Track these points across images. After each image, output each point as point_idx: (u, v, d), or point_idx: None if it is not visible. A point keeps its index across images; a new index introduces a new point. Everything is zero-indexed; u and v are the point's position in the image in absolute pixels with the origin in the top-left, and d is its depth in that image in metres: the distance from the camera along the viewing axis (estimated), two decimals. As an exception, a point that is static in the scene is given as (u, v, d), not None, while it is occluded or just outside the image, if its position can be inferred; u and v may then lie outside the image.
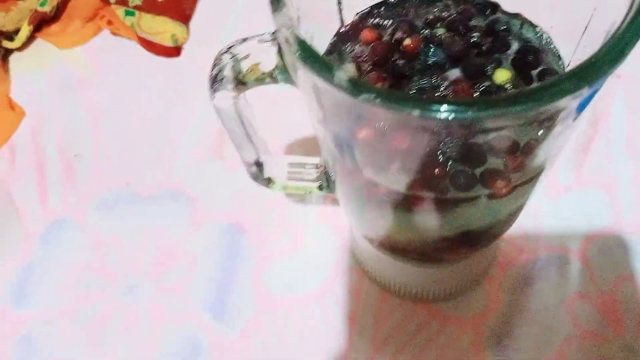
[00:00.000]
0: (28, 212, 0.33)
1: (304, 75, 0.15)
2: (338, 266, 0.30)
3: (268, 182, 0.25)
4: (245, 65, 0.19)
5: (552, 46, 0.19)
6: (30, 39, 0.38)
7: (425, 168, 0.17)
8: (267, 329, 0.29)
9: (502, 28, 0.20)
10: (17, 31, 0.38)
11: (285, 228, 0.31)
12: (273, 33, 0.18)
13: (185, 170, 0.34)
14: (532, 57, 0.19)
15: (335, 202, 0.32)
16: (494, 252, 0.29)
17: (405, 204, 0.19)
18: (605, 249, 0.30)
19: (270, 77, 0.18)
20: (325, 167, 0.25)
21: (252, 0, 0.40)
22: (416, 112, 0.12)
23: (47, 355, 0.29)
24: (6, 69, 0.38)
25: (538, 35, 0.20)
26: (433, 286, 0.28)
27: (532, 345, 0.28)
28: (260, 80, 0.19)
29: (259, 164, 0.24)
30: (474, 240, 0.22)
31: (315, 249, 0.31)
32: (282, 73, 0.18)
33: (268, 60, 0.19)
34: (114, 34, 0.38)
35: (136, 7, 0.37)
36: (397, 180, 0.18)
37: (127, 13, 0.37)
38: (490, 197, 0.17)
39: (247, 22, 0.39)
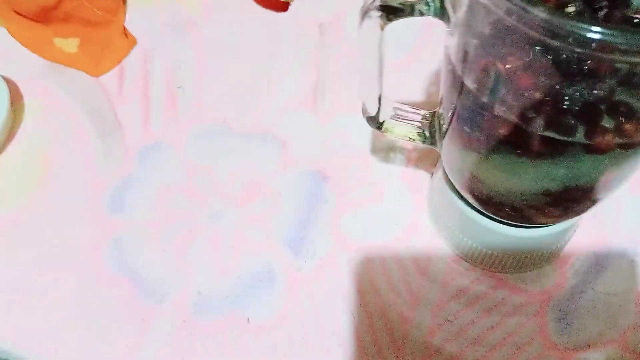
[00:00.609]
0: (131, 131, 0.35)
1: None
2: (413, 224, 0.31)
3: (379, 124, 0.26)
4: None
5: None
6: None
7: (556, 102, 0.17)
8: (339, 268, 0.30)
9: None
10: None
11: (367, 181, 0.33)
12: None
13: (278, 116, 0.36)
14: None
15: (418, 165, 0.33)
16: (572, 233, 0.30)
17: (525, 146, 0.20)
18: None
19: (425, 4, 0.19)
20: (432, 121, 0.26)
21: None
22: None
23: (133, 260, 0.31)
24: (124, 1, 0.41)
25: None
26: (507, 253, 0.29)
27: (595, 327, 0.28)
28: (409, 10, 0.20)
29: (379, 103, 0.25)
30: (574, 200, 0.22)
31: (392, 203, 0.32)
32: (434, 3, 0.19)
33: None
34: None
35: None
36: (527, 116, 0.19)
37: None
38: (604, 150, 0.18)
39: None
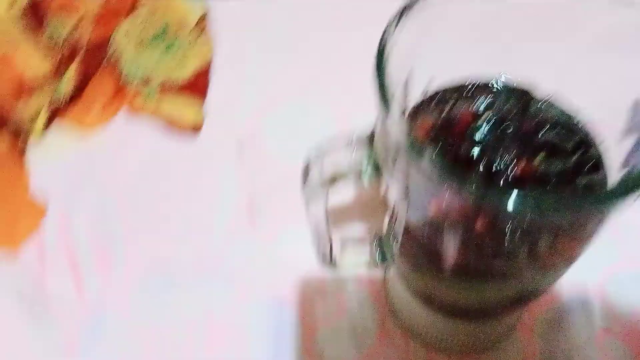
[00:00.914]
0: (66, 308, 0.33)
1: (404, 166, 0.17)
2: (382, 328, 0.32)
3: (333, 264, 0.27)
4: (330, 167, 0.21)
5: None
6: (47, 127, 0.39)
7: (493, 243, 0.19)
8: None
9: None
10: (34, 121, 0.38)
11: (326, 297, 0.33)
12: (361, 139, 0.20)
13: (220, 245, 0.35)
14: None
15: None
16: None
17: (475, 273, 0.21)
18: (619, 282, 0.33)
19: (357, 176, 0.20)
20: (380, 246, 0.27)
21: (264, 74, 0.42)
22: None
23: None
24: (22, 161, 0.38)
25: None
26: (474, 338, 0.30)
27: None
28: (344, 179, 0.21)
29: (330, 250, 0.26)
30: (530, 298, 0.24)
31: (356, 314, 0.32)
32: (368, 172, 0.20)
33: (349, 161, 0.21)
34: (132, 114, 0.39)
35: (157, 90, 0.38)
36: (466, 252, 0.20)
37: (148, 95, 0.38)
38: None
39: (259, 96, 0.41)
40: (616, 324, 0.31)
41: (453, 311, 0.27)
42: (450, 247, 0.21)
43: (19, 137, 0.38)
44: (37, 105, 0.38)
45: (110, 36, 0.40)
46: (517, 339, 0.31)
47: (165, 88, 0.39)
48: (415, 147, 0.16)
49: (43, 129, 0.38)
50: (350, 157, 0.21)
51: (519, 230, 0.19)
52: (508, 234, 0.18)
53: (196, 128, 0.39)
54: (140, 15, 0.41)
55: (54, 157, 0.38)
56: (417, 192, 0.19)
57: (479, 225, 0.18)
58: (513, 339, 0.31)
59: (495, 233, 0.19)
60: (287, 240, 0.35)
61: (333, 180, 0.21)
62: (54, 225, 0.36)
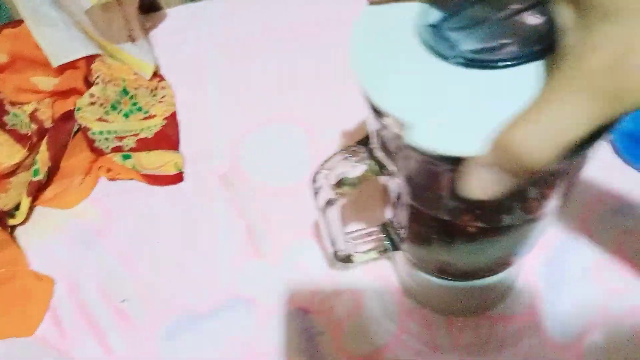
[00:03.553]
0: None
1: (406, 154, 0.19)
2: (399, 309, 0.34)
3: (348, 260, 0.29)
4: (335, 178, 0.23)
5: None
6: (30, 209, 0.40)
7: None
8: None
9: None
10: (17, 206, 0.39)
11: (342, 297, 0.35)
12: (358, 147, 0.23)
13: (231, 278, 0.36)
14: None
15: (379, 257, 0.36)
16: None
17: (470, 235, 0.24)
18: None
19: (365, 179, 0.23)
20: (386, 233, 0.29)
21: (228, 108, 0.44)
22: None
23: None
24: (16, 245, 0.38)
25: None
26: (482, 299, 0.33)
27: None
28: (353, 186, 0.23)
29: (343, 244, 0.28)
30: (523, 250, 0.27)
31: (374, 305, 0.34)
32: (373, 173, 0.22)
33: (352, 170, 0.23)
34: (112, 179, 0.40)
35: (131, 150, 0.40)
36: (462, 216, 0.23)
37: (125, 157, 0.40)
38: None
39: (229, 129, 0.43)
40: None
41: (463, 274, 0.29)
42: (453, 212, 0.23)
43: (3, 225, 0.38)
44: (16, 194, 0.39)
45: (73, 110, 0.41)
46: (520, 292, 0.34)
47: (139, 146, 0.40)
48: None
49: (27, 214, 0.39)
50: (352, 163, 0.23)
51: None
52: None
53: (178, 175, 0.40)
54: (97, 86, 0.42)
55: (47, 234, 0.39)
56: (418, 175, 0.22)
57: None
58: (516, 293, 0.34)
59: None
60: (293, 256, 0.37)
61: (341, 185, 0.23)
62: (64, 296, 0.37)
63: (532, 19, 0.19)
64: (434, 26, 0.19)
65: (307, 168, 0.37)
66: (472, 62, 0.18)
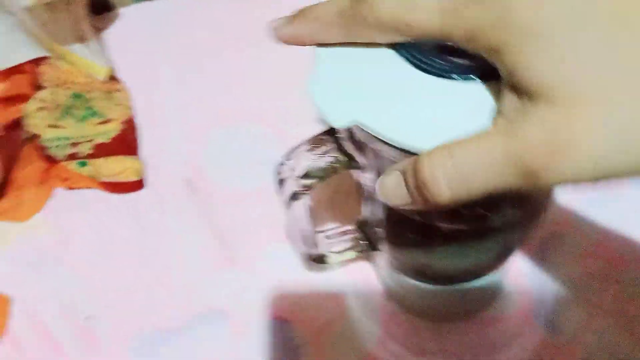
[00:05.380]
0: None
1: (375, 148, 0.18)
2: (384, 314, 0.33)
3: (322, 262, 0.27)
4: (300, 170, 0.22)
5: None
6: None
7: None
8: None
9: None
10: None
11: (324, 304, 0.33)
12: (325, 137, 0.21)
13: (203, 288, 0.34)
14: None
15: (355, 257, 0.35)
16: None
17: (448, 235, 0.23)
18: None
19: (333, 172, 0.21)
20: (363, 232, 0.28)
21: (188, 111, 0.42)
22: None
23: None
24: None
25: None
26: (467, 303, 0.32)
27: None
28: (320, 179, 0.22)
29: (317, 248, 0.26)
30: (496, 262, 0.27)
31: (358, 311, 0.33)
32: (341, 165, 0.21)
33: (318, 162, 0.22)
34: (70, 188, 0.38)
35: (88, 156, 0.37)
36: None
37: (81, 164, 0.37)
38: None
39: (190, 132, 0.41)
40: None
41: (447, 278, 0.28)
42: (423, 213, 0.22)
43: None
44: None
45: (20, 117, 0.39)
46: (509, 293, 0.33)
47: (96, 153, 0.38)
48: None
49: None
50: (319, 154, 0.22)
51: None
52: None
53: (139, 182, 0.38)
54: (45, 90, 0.39)
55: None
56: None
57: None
58: (505, 295, 0.33)
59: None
60: (267, 262, 0.35)
61: (307, 178, 0.21)
62: (22, 317, 0.34)
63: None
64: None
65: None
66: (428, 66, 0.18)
